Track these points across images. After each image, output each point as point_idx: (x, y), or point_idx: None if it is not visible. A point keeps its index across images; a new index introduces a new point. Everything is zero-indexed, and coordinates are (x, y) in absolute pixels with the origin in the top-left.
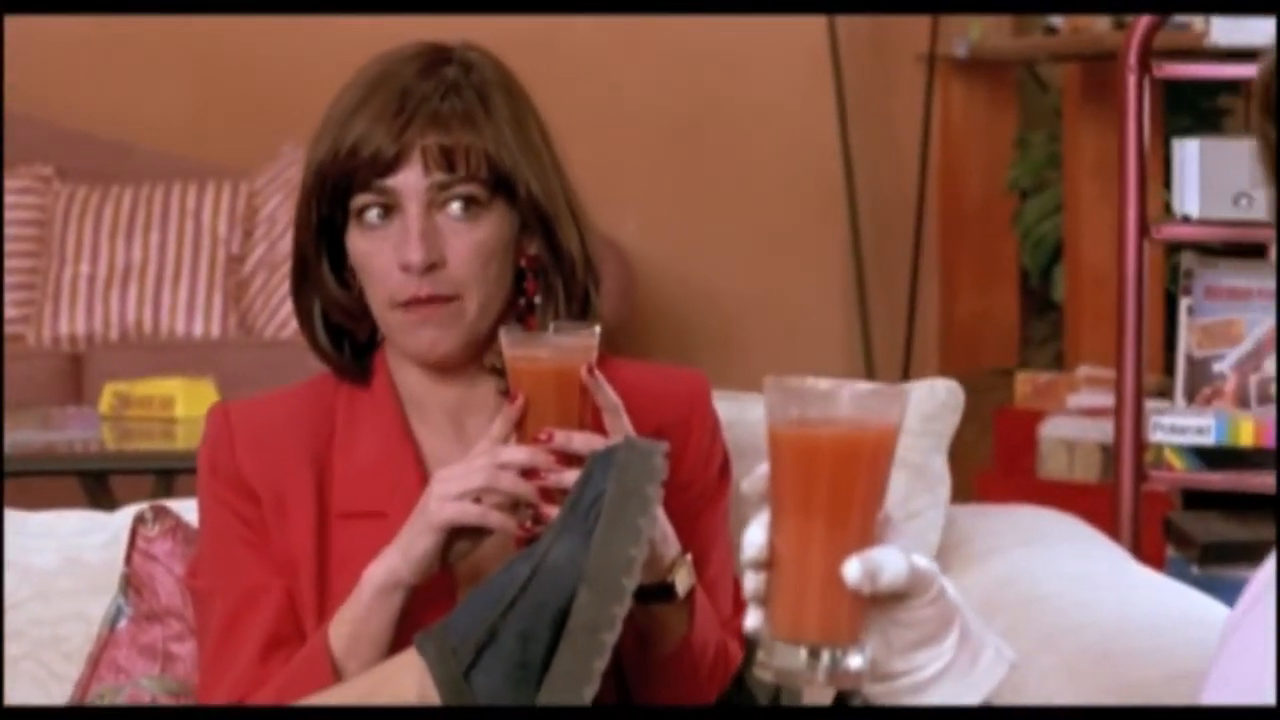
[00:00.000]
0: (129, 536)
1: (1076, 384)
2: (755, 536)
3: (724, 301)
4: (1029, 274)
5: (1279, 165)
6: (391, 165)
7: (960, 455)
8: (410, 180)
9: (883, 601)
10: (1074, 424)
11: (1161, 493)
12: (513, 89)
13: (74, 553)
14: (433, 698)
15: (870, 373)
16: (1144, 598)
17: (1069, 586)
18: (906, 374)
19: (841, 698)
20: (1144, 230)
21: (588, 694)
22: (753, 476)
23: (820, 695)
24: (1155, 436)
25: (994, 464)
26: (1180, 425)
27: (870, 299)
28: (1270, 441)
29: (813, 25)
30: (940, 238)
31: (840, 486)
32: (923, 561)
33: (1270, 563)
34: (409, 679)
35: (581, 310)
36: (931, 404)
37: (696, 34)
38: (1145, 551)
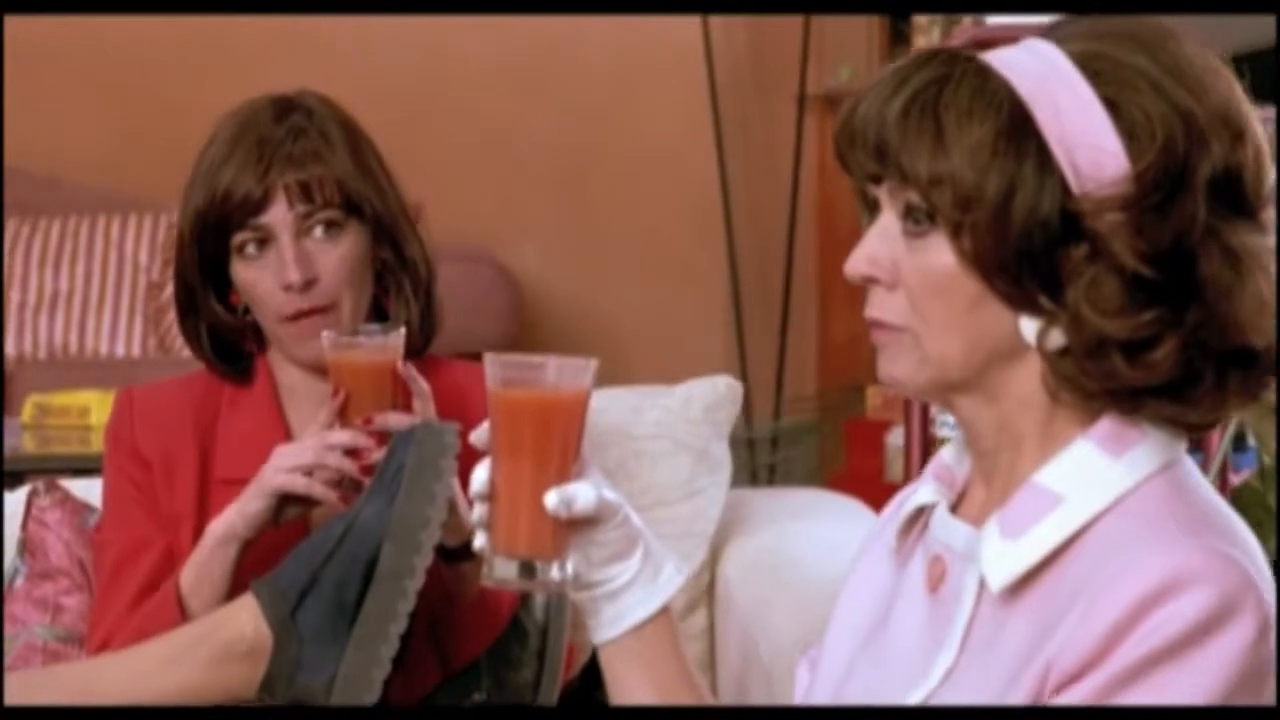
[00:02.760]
0: (24, 508)
1: None
2: (480, 475)
3: (612, 323)
4: None
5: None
6: (260, 204)
7: (823, 463)
8: (278, 215)
9: (579, 525)
10: None
11: None
12: (347, 124)
13: None
14: (265, 632)
15: (746, 388)
16: None
17: (817, 549)
18: (779, 390)
19: None
20: None
21: (393, 630)
22: (479, 429)
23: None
24: (942, 432)
25: (846, 470)
26: None
27: (747, 321)
28: None
29: (693, 66)
30: (817, 264)
31: (541, 435)
32: (610, 494)
33: (889, 508)
34: (246, 617)
35: (427, 300)
36: (713, 397)
37: (586, 77)
38: None
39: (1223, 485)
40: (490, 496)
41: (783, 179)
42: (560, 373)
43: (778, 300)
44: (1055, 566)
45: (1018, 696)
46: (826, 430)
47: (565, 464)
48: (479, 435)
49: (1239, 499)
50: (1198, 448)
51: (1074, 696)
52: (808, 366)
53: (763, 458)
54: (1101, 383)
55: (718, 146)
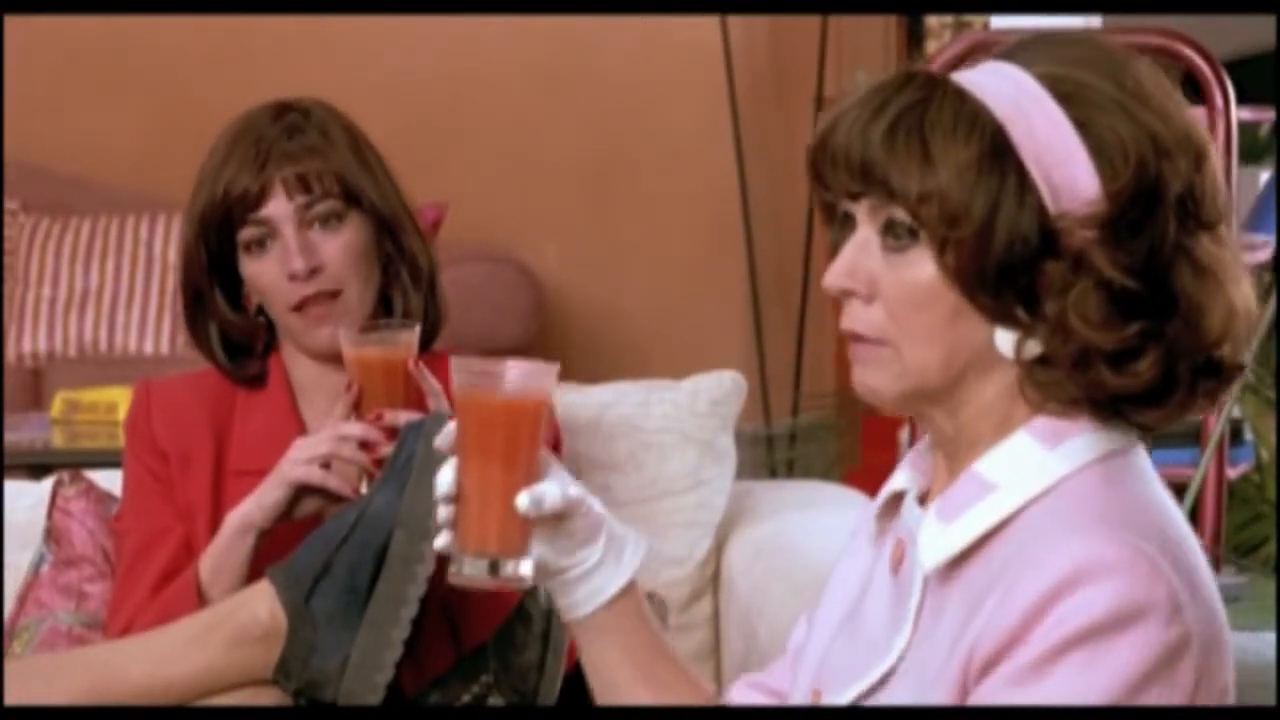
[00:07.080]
0: (50, 497)
1: None
2: (445, 477)
3: (632, 322)
4: None
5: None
6: (260, 199)
7: (840, 459)
8: (278, 208)
9: (548, 520)
10: None
11: None
12: (346, 124)
13: (5, 515)
14: (280, 616)
15: (764, 387)
16: None
17: (816, 536)
18: (797, 388)
19: None
20: None
21: (404, 614)
22: (444, 432)
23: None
24: None
25: (861, 465)
26: None
27: (765, 319)
28: None
29: (712, 69)
30: None
31: (508, 437)
32: (574, 489)
33: (875, 503)
34: (262, 602)
35: (430, 293)
36: (719, 391)
37: (607, 79)
38: None
39: (1219, 479)
40: (458, 498)
41: (800, 179)
42: (524, 376)
43: (796, 299)
44: (985, 551)
45: (949, 676)
46: (843, 427)
47: (531, 464)
48: (445, 438)
49: (1237, 493)
50: (1195, 442)
51: (995, 682)
52: (825, 364)
53: (781, 454)
54: (1086, 391)
55: (736, 148)
